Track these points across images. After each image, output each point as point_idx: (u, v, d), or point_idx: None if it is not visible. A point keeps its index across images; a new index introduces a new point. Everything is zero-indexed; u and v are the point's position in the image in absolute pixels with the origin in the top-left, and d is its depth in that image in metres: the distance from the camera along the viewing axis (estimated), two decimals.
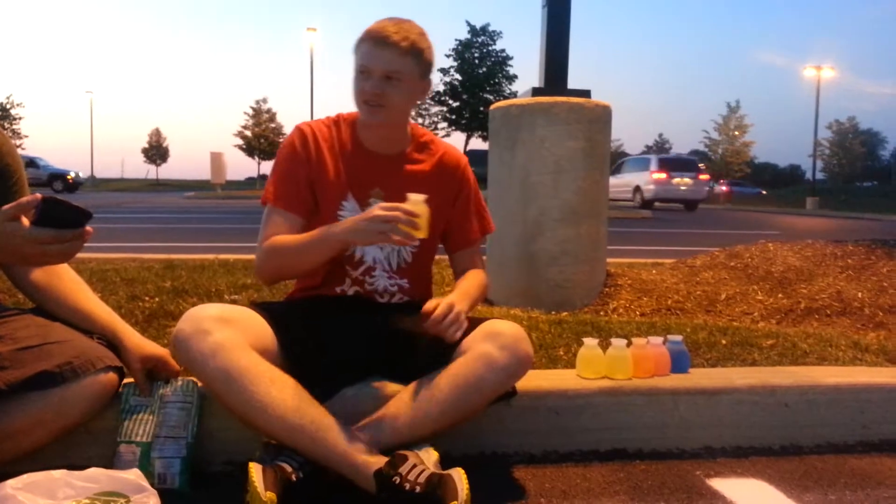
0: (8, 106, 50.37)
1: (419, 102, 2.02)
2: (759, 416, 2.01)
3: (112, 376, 1.58)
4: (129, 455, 1.60)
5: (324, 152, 1.87)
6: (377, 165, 1.89)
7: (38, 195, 1.33)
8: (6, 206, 1.33)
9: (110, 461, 1.61)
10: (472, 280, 1.94)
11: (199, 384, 1.69)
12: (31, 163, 33.55)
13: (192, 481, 1.62)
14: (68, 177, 33.60)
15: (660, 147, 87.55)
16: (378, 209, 1.61)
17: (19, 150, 1.73)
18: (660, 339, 2.08)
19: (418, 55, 1.78)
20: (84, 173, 33.99)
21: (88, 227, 1.38)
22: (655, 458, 1.91)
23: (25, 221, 1.33)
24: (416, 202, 1.63)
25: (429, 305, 1.66)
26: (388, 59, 1.75)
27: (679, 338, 2.14)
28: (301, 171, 1.86)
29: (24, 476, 1.29)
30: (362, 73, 1.78)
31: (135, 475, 1.34)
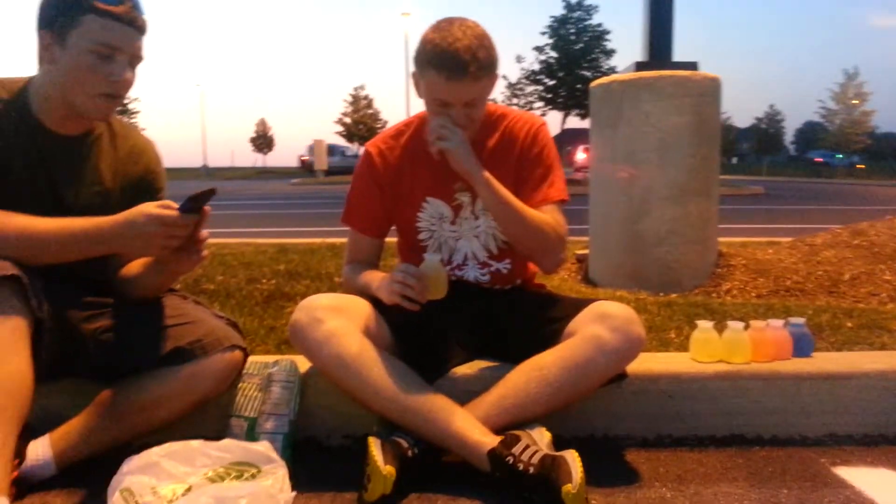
0: (127, 101, 53.69)
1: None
2: (888, 403, 1.89)
3: (237, 354, 1.68)
4: (238, 429, 1.68)
5: (393, 165, 1.89)
6: None
7: (175, 208, 1.48)
8: (159, 215, 1.47)
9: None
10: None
11: (301, 368, 1.77)
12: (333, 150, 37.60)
13: (295, 455, 1.68)
14: None
15: (771, 119, 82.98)
16: (394, 271, 1.68)
17: None
18: (780, 322, 1.99)
19: (491, 69, 1.72)
20: (197, 163, 36.08)
21: (206, 207, 1.52)
22: (776, 445, 1.84)
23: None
24: (429, 265, 1.68)
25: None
26: (467, 90, 1.69)
27: (801, 320, 2.04)
28: (368, 193, 1.91)
29: (167, 445, 1.40)
30: (442, 107, 1.73)
31: (264, 447, 1.42)
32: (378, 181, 1.90)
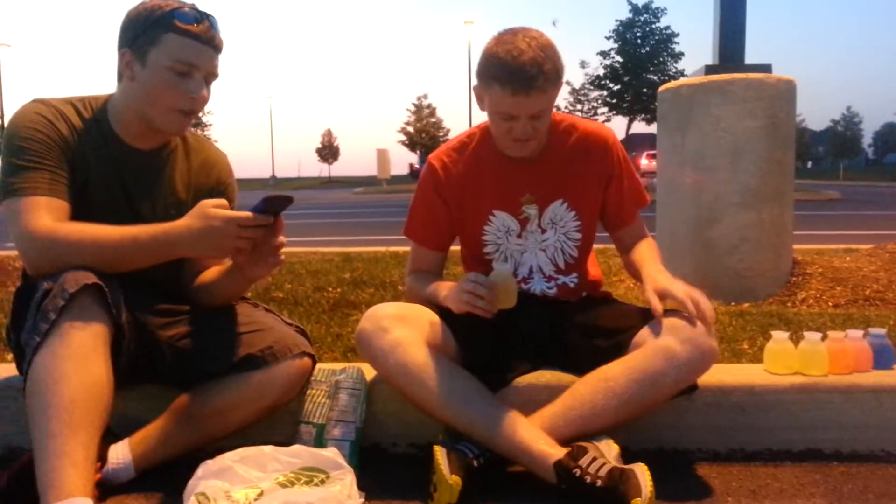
0: (201, 114, 55.40)
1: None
2: None
3: (306, 361, 1.71)
4: (307, 435, 1.72)
5: (458, 177, 1.88)
6: (521, 170, 1.85)
7: (250, 214, 1.48)
8: (231, 215, 1.49)
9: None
10: (644, 251, 1.90)
11: (367, 375, 1.79)
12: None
13: (360, 462, 1.70)
14: None
15: (847, 122, 79.67)
16: (462, 281, 1.67)
17: None
18: (859, 333, 1.90)
19: (557, 80, 1.69)
20: (266, 174, 36.99)
21: (282, 238, 1.56)
22: (856, 461, 1.76)
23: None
24: (499, 274, 1.67)
25: (656, 309, 1.65)
26: (533, 104, 1.66)
27: (882, 331, 1.95)
28: (433, 207, 1.90)
29: (239, 450, 1.43)
30: (506, 121, 1.71)
31: (333, 453, 1.44)
32: (442, 194, 1.89)
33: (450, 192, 1.89)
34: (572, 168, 1.86)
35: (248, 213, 1.49)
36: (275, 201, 1.49)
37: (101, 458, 1.55)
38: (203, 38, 1.59)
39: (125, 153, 1.69)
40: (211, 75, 1.65)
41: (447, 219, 1.91)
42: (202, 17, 1.60)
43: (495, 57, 1.66)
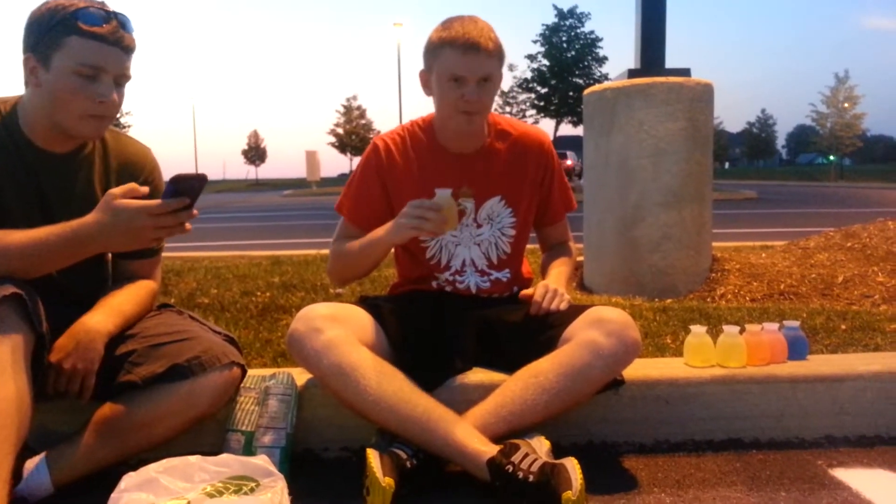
0: (119, 115, 53.25)
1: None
2: (884, 404, 1.90)
3: (235, 371, 1.67)
4: (235, 443, 1.68)
5: (399, 164, 1.91)
6: (461, 164, 1.91)
7: (159, 202, 1.41)
8: (141, 205, 1.42)
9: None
10: (558, 257, 2.04)
11: (298, 380, 1.78)
12: None
13: (292, 468, 1.68)
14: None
15: (762, 124, 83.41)
16: (407, 207, 1.69)
17: None
18: (775, 326, 2.00)
19: (502, 54, 1.79)
20: None
21: (194, 211, 1.46)
22: (773, 448, 1.84)
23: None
24: (443, 197, 1.69)
25: (525, 293, 1.83)
26: (482, 64, 1.74)
27: (796, 323, 2.05)
28: (374, 187, 1.92)
29: (164, 461, 1.39)
30: (456, 82, 1.76)
31: (263, 461, 1.41)
32: (382, 176, 1.91)
33: (390, 174, 1.91)
34: (510, 167, 1.93)
35: (156, 202, 1.41)
36: (185, 181, 1.41)
37: (17, 474, 1.47)
38: (110, 39, 1.51)
39: (37, 157, 1.61)
40: (122, 77, 1.57)
41: (382, 201, 1.92)
42: (109, 17, 1.52)
43: (445, 30, 1.77)
